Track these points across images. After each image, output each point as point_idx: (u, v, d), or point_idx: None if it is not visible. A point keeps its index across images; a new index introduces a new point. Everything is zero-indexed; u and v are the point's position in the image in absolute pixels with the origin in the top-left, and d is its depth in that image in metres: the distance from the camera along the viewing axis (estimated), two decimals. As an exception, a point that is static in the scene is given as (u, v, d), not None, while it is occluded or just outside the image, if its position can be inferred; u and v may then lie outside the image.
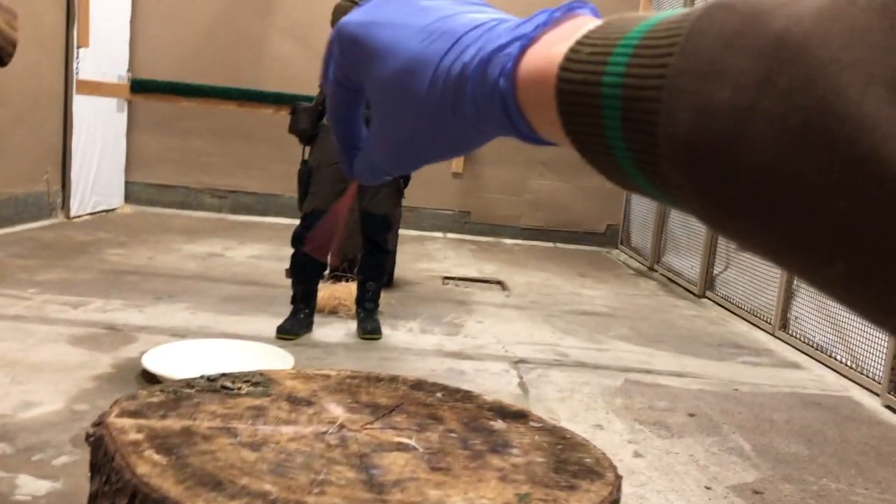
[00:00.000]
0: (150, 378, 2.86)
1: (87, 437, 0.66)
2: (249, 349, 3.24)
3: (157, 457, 0.62)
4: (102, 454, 0.63)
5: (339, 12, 3.56)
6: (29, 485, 2.14)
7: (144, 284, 4.42)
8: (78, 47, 6.29)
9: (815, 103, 0.23)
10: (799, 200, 0.24)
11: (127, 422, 0.68)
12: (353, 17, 0.44)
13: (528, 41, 0.37)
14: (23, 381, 2.85)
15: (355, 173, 0.49)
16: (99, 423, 0.68)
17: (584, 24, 0.36)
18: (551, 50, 0.35)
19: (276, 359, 3.11)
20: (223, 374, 0.86)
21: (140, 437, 0.65)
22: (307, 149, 3.66)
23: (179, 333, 3.55)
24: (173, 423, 0.70)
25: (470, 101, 0.38)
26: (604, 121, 0.31)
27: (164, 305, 4.02)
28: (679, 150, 0.27)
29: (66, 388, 2.82)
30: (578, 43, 0.33)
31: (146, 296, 4.17)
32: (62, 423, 2.51)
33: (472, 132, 0.41)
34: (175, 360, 2.98)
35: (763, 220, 0.26)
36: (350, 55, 0.44)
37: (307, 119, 3.59)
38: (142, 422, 0.69)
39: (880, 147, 0.22)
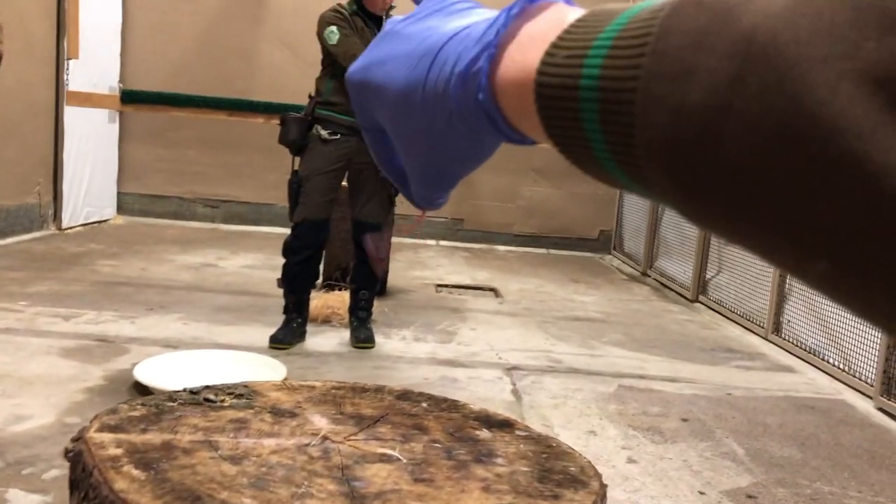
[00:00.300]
0: (142, 390, 2.85)
1: (66, 452, 0.65)
2: (242, 359, 3.23)
3: (135, 472, 0.61)
4: (81, 470, 0.63)
5: (322, 22, 3.56)
6: (19, 499, 2.13)
7: (137, 295, 4.41)
8: (67, 59, 6.29)
9: (786, 103, 0.23)
10: (776, 201, 0.24)
11: (106, 436, 0.68)
12: (355, 65, 0.46)
13: (494, 49, 0.37)
14: (13, 394, 2.83)
15: (417, 203, 0.49)
16: (78, 438, 0.67)
17: (552, 18, 0.36)
18: (526, 56, 0.35)
19: (269, 369, 3.10)
20: (206, 387, 0.86)
21: (119, 451, 0.65)
22: (297, 159, 3.66)
23: (172, 344, 3.53)
24: (154, 437, 0.69)
25: (458, 118, 0.39)
26: (584, 125, 0.31)
27: (157, 316, 4.01)
28: (657, 152, 0.27)
29: (57, 401, 2.80)
30: (554, 46, 0.33)
31: (138, 307, 4.16)
32: (53, 437, 2.50)
33: (476, 143, 0.41)
34: (167, 372, 2.97)
35: (745, 218, 0.26)
36: (361, 101, 0.45)
37: (296, 129, 3.59)
38: (122, 436, 0.68)
39: (853, 145, 0.22)
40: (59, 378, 3.02)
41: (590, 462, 0.78)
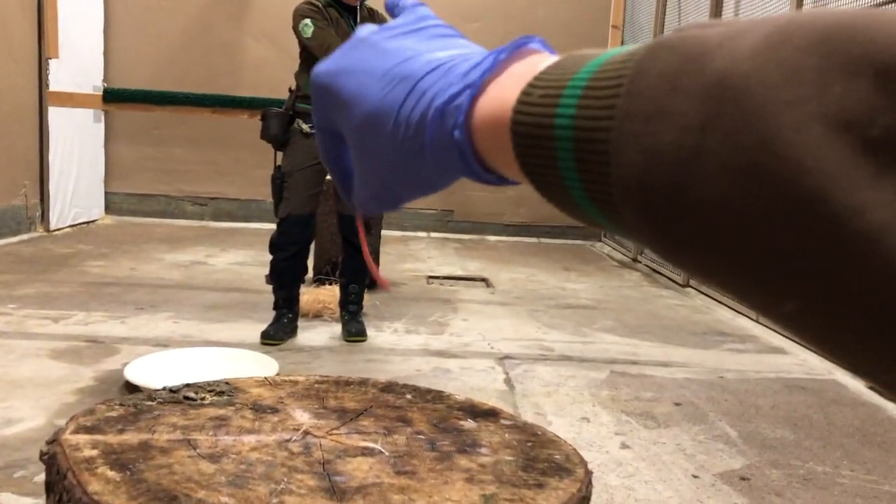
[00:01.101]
0: (132, 390, 2.83)
1: (41, 455, 0.64)
2: (233, 356, 3.22)
3: (110, 473, 0.60)
4: (56, 472, 0.62)
5: (296, 15, 3.53)
6: (11, 503, 2.11)
7: (126, 295, 4.38)
8: (47, 58, 6.23)
9: (755, 144, 0.24)
10: (746, 240, 0.24)
11: (82, 438, 0.67)
12: (323, 66, 0.45)
13: (476, 89, 0.37)
14: (3, 397, 2.81)
15: (356, 205, 0.49)
16: (53, 440, 0.66)
17: (534, 61, 0.36)
18: (504, 94, 0.36)
19: (260, 365, 3.09)
20: (186, 385, 0.85)
21: (94, 453, 0.64)
22: (279, 154, 3.64)
23: (162, 343, 3.52)
24: (131, 437, 0.68)
25: (430, 149, 0.39)
26: (559, 163, 0.32)
27: (147, 316, 3.99)
28: (631, 191, 0.28)
29: (47, 403, 2.79)
30: (530, 86, 0.34)
31: (128, 307, 4.14)
32: (44, 440, 2.48)
33: (438, 175, 0.41)
34: (158, 371, 2.96)
35: (716, 258, 0.26)
36: (323, 103, 0.45)
37: (277, 124, 3.56)
38: (98, 437, 0.67)
39: (820, 187, 0.22)
40: (50, 380, 3.01)
41: (575, 450, 0.77)
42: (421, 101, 0.39)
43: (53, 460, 0.63)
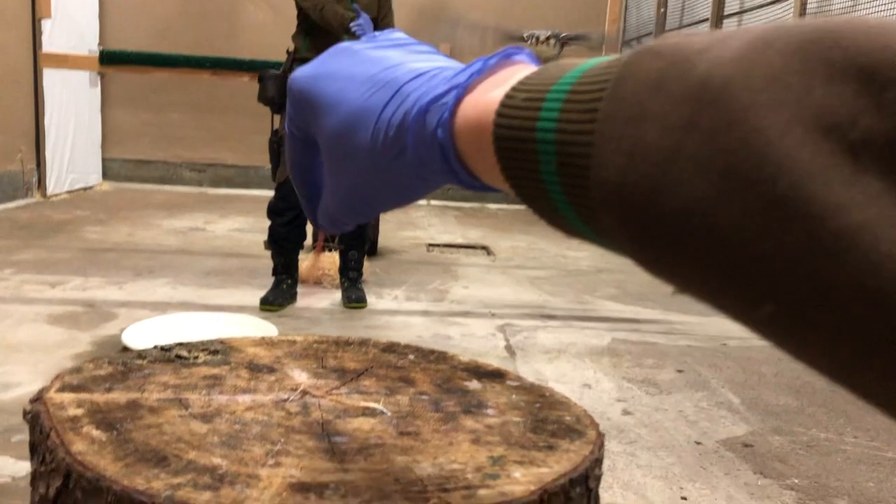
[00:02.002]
0: (130, 355, 2.81)
1: (25, 414, 0.61)
2: (232, 321, 3.19)
3: (96, 433, 0.57)
4: (39, 432, 0.58)
5: None
6: (9, 466, 2.10)
7: (124, 261, 4.35)
8: (39, 19, 6.12)
9: (736, 145, 0.24)
10: (725, 242, 0.24)
11: (67, 396, 0.63)
12: (303, 71, 0.44)
13: (463, 90, 0.37)
14: (1, 361, 2.79)
15: (319, 222, 0.48)
16: (37, 398, 0.63)
17: (519, 70, 0.36)
18: (487, 97, 0.35)
19: (259, 330, 3.06)
20: (179, 344, 0.81)
21: (80, 412, 0.60)
22: (277, 118, 3.58)
23: (160, 309, 3.49)
24: (119, 396, 0.65)
25: (411, 151, 0.38)
26: (540, 166, 0.31)
27: (145, 281, 3.96)
28: (610, 194, 0.27)
29: (45, 367, 2.76)
30: (514, 89, 0.34)
31: (126, 272, 4.11)
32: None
33: (417, 181, 0.40)
34: (156, 335, 2.93)
35: (692, 263, 0.26)
36: (299, 108, 0.44)
37: (274, 87, 3.50)
38: (84, 396, 0.64)
39: (800, 187, 0.22)
40: (47, 345, 2.98)
41: (585, 411, 0.74)
42: (404, 103, 0.38)
43: (37, 419, 0.59)
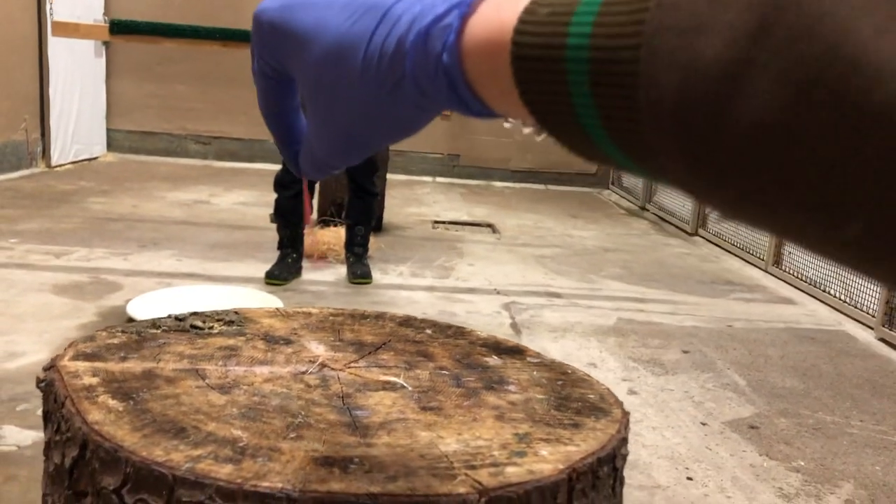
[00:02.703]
0: (135, 326, 2.80)
1: (38, 382, 0.59)
2: (237, 294, 3.18)
3: (112, 402, 0.55)
4: (53, 401, 0.57)
5: None
6: (14, 435, 2.10)
7: (129, 232, 4.33)
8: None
9: (821, 51, 0.21)
10: (807, 160, 0.22)
11: (81, 365, 0.62)
12: (271, 2, 0.40)
13: (467, 8, 0.33)
14: (6, 331, 2.79)
15: (301, 169, 0.44)
16: (50, 366, 0.61)
17: None
18: (500, 14, 0.31)
19: (265, 304, 3.05)
20: (193, 314, 0.79)
21: (95, 381, 0.59)
22: None
23: (165, 281, 3.48)
24: (134, 365, 0.63)
25: (410, 80, 0.34)
26: (570, 87, 0.28)
27: (150, 253, 3.95)
28: (665, 116, 0.25)
29: (50, 337, 2.76)
30: (534, 2, 0.30)
31: (130, 244, 4.09)
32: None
33: (417, 112, 0.36)
34: (161, 307, 2.92)
35: (765, 186, 0.24)
36: (272, 43, 0.40)
37: None
38: (98, 365, 0.62)
39: None
40: (52, 315, 2.97)
41: (609, 389, 0.72)
42: (396, 27, 0.34)
43: (51, 388, 0.58)
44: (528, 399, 0.68)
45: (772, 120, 0.22)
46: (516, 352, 0.81)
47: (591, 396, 0.70)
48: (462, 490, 0.48)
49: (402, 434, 0.57)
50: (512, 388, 0.70)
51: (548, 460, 0.55)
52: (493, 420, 0.62)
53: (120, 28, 5.22)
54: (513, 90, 0.31)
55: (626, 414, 0.67)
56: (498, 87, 0.32)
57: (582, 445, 0.59)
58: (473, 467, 0.52)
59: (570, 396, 0.69)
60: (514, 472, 0.52)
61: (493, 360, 0.77)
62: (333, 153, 0.41)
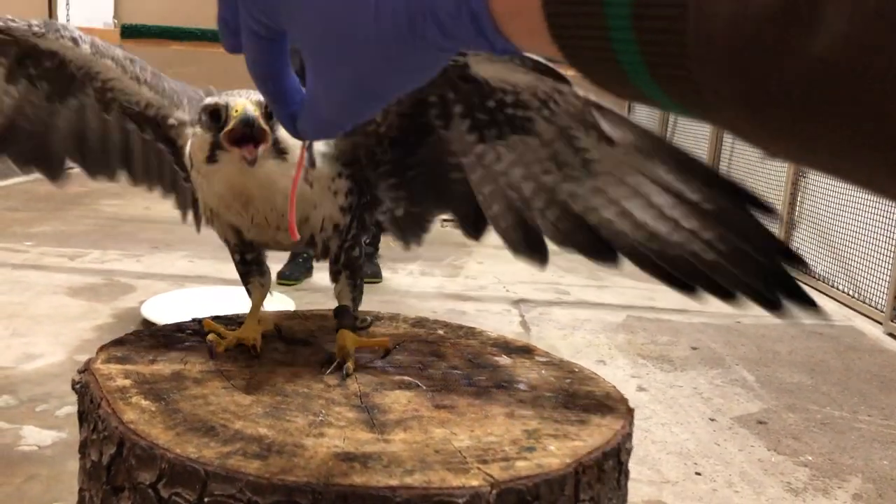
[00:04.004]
0: (150, 327, 2.84)
1: (74, 384, 0.63)
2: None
3: (145, 402, 0.59)
4: (89, 402, 0.60)
5: None
6: (34, 435, 2.14)
7: (141, 234, 4.38)
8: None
9: None
10: (872, 91, 0.21)
11: (114, 367, 0.65)
12: None
13: None
14: (23, 333, 2.83)
15: (300, 131, 0.42)
16: (84, 369, 0.65)
17: None
18: None
19: (277, 304, 3.09)
20: (216, 317, 0.83)
21: (127, 382, 0.62)
22: None
23: (178, 282, 3.52)
24: (163, 367, 0.67)
25: (433, 25, 0.33)
26: (608, 22, 0.26)
27: (162, 254, 3.99)
28: (718, 50, 0.23)
29: (66, 339, 2.80)
30: None
31: (143, 245, 4.14)
32: (64, 374, 2.50)
33: (435, 56, 0.35)
34: (175, 308, 2.96)
35: (823, 118, 0.22)
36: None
37: None
38: (129, 367, 0.66)
39: None
40: (68, 316, 3.02)
41: (615, 387, 0.75)
42: None
43: (86, 389, 0.61)
44: (537, 397, 0.71)
45: (837, 52, 0.21)
46: (525, 351, 0.84)
47: (598, 394, 0.73)
48: (475, 483, 0.51)
49: (417, 431, 0.60)
50: (521, 386, 0.73)
51: (555, 455, 0.58)
52: (504, 417, 0.65)
53: (130, 32, 5.28)
54: (542, 27, 0.29)
55: (630, 410, 0.70)
56: (526, 25, 0.31)
57: (588, 441, 0.62)
58: (485, 462, 0.56)
59: (578, 394, 0.73)
60: (523, 466, 0.55)
61: (503, 360, 0.81)
62: (343, 110, 0.39)
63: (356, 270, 0.79)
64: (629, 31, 0.26)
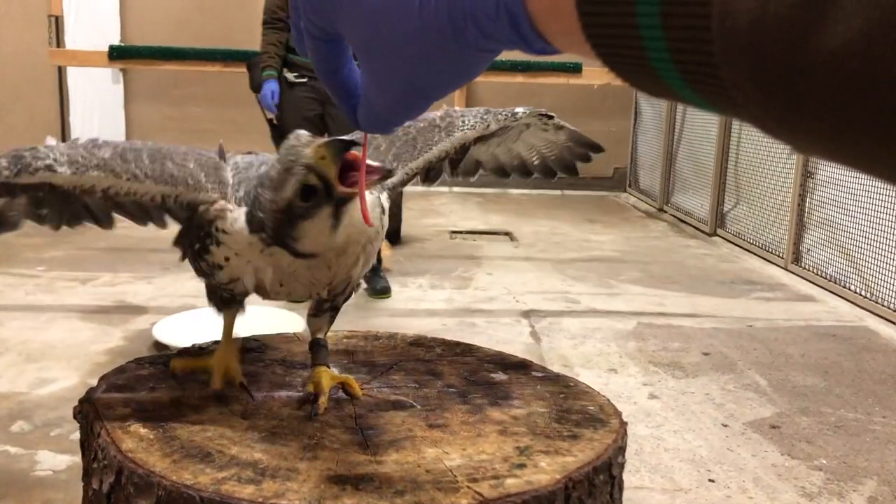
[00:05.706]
0: (162, 349, 2.87)
1: (75, 414, 0.64)
2: (259, 313, 3.24)
3: (143, 430, 0.60)
4: (89, 431, 0.62)
5: None
6: (49, 460, 2.16)
7: (151, 256, 4.42)
8: (49, 16, 6.20)
9: None
10: (893, 88, 0.21)
11: (114, 396, 0.67)
12: None
13: None
14: (37, 358, 2.86)
15: (361, 125, 0.45)
16: (86, 399, 0.66)
17: None
18: None
19: (287, 322, 3.11)
20: (216, 342, 0.84)
21: (127, 411, 0.64)
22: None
23: (190, 303, 3.55)
24: (162, 395, 0.68)
25: (472, 25, 0.34)
26: (638, 20, 0.27)
27: (173, 276, 4.02)
28: (741, 48, 0.24)
29: (79, 363, 2.83)
30: None
31: (154, 267, 4.17)
32: (78, 399, 2.52)
33: (477, 56, 0.37)
34: (186, 329, 2.99)
35: (846, 115, 0.23)
36: (320, 4, 0.40)
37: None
38: (129, 395, 0.67)
39: None
40: (81, 341, 3.05)
41: (609, 400, 0.76)
42: None
43: (87, 419, 0.63)
44: (531, 413, 0.72)
45: (857, 49, 0.21)
46: (521, 367, 0.85)
47: (591, 408, 0.74)
48: (464, 502, 0.52)
49: (409, 451, 0.61)
50: (516, 402, 0.74)
51: (546, 471, 0.59)
52: (497, 434, 0.66)
53: (119, 54, 5.34)
54: (577, 27, 0.30)
55: (623, 424, 0.71)
56: (561, 24, 0.31)
57: (579, 456, 0.62)
58: (475, 480, 0.56)
59: (571, 409, 0.73)
60: (513, 484, 0.56)
61: (499, 376, 0.81)
62: (394, 108, 0.40)
63: (339, 307, 0.82)
64: (658, 29, 0.27)
